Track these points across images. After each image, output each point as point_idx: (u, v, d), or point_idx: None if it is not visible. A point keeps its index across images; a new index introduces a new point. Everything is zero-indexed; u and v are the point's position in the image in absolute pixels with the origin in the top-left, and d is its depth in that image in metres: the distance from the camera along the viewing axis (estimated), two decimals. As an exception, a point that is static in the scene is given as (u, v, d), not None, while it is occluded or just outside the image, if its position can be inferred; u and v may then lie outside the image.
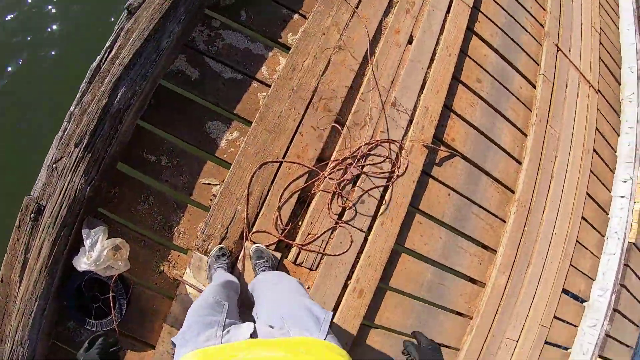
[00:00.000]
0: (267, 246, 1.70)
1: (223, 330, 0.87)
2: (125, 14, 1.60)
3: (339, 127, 1.83)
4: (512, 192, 2.31)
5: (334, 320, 1.76)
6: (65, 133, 1.45)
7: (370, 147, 1.85)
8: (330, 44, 1.90)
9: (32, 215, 1.42)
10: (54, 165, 1.43)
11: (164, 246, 1.68)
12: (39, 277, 1.43)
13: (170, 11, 1.61)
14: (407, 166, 1.91)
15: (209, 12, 1.85)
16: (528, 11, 2.68)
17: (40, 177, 1.43)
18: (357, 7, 2.01)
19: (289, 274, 1.70)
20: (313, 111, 1.81)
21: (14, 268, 1.44)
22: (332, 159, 1.82)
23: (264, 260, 1.61)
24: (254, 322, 0.90)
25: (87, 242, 1.46)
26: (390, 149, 1.89)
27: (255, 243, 1.68)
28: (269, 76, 1.84)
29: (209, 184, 1.76)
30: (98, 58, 1.53)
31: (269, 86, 1.81)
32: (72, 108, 1.47)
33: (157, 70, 1.63)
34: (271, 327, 0.89)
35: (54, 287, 1.48)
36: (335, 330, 1.78)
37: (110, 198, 1.65)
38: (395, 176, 1.87)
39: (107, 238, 1.49)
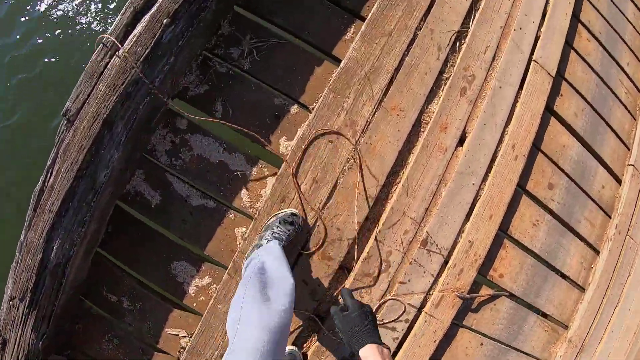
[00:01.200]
0: None
1: None
2: (65, 122, 1.06)
3: (342, 278, 1.20)
4: (565, 327, 1.62)
5: None
6: (18, 265, 1.13)
7: (379, 304, 1.22)
8: (340, 156, 1.18)
9: (-1, 346, 1.21)
10: (10, 302, 1.15)
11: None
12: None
13: (102, 134, 1.00)
14: (429, 324, 1.28)
15: (171, 106, 1.17)
16: (623, 70, 1.69)
17: (2, 311, 1.16)
18: (385, 94, 1.22)
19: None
20: (306, 260, 1.17)
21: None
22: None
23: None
24: None
25: None
26: (406, 305, 1.25)
27: None
28: (251, 204, 1.19)
29: (176, 335, 1.27)
30: (41, 179, 1.08)
31: (252, 218, 1.17)
32: (21, 237, 1.11)
33: (102, 203, 1.12)
34: None
35: None
36: None
37: (75, 331, 1.28)
38: (410, 337, 1.26)
39: None
